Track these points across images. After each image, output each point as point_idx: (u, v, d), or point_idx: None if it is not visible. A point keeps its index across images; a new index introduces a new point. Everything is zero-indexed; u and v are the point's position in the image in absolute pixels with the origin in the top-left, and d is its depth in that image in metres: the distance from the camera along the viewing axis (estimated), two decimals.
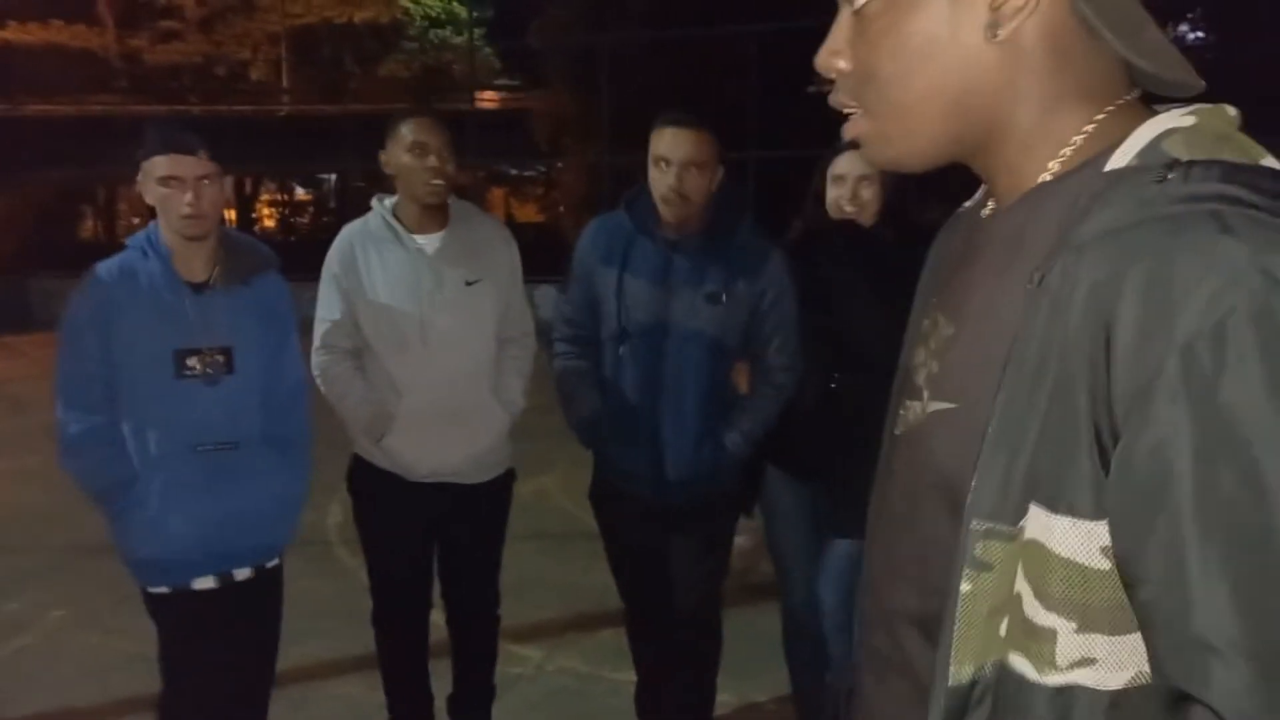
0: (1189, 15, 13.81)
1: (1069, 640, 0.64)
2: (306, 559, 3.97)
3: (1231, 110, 0.69)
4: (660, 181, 2.34)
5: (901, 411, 0.84)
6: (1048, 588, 0.64)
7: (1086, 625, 0.63)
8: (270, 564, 2.30)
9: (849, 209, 2.38)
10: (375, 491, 2.60)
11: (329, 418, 2.54)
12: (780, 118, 11.53)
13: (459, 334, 2.50)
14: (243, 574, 2.24)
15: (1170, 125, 0.67)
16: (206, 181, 2.12)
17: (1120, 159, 0.68)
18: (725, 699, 2.86)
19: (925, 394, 0.79)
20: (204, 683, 2.22)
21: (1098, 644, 0.63)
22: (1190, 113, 0.68)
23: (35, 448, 5.96)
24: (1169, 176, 0.63)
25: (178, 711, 2.27)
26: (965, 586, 0.67)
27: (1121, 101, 0.71)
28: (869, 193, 2.38)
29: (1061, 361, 0.62)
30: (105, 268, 2.17)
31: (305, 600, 3.56)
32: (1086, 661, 0.63)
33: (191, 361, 2.13)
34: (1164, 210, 0.61)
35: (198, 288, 2.18)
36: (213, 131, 2.22)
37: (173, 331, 2.13)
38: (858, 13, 0.74)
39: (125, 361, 2.11)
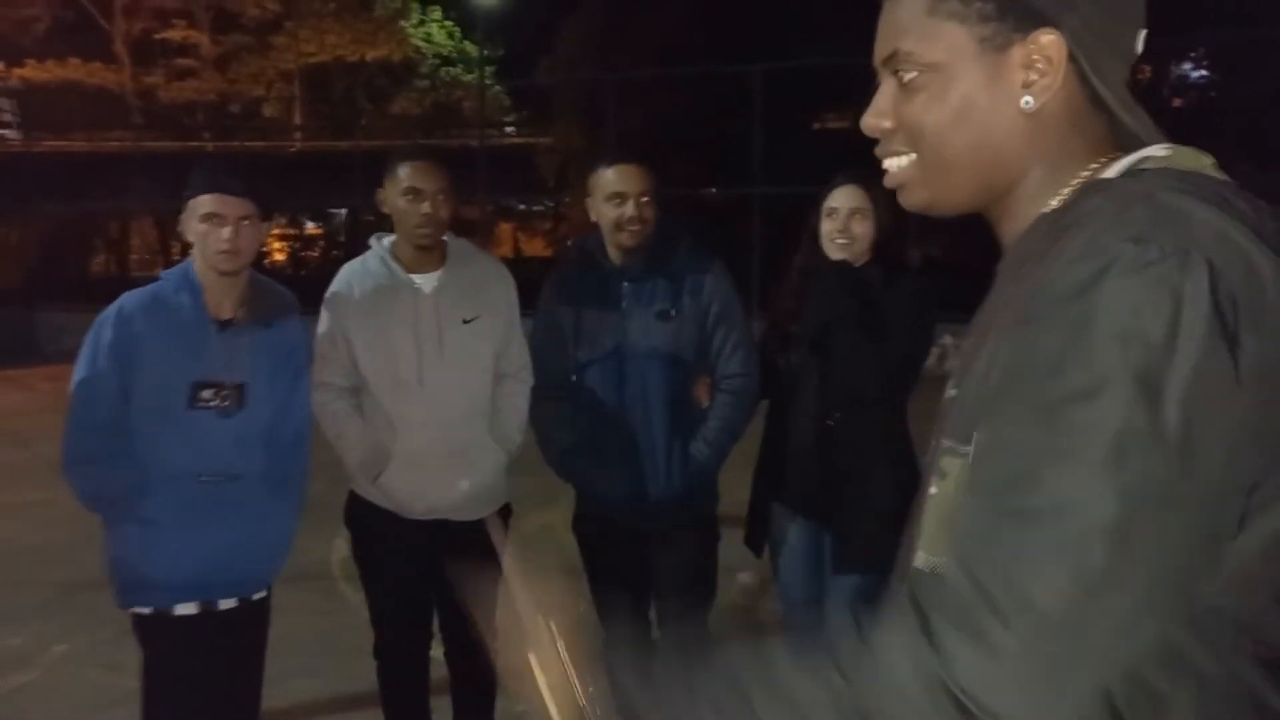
0: (1191, 55, 13.92)
1: None
2: (312, 593, 3.95)
3: (1206, 155, 0.81)
4: (619, 213, 2.49)
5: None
6: None
7: None
8: (257, 596, 2.33)
9: (840, 242, 2.42)
10: (372, 528, 2.60)
11: (333, 452, 2.55)
12: (785, 153, 11.62)
13: (456, 372, 2.51)
14: (227, 604, 2.27)
15: (1147, 155, 0.81)
16: (246, 222, 2.19)
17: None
18: None
19: (949, 391, 0.89)
20: (183, 712, 2.23)
21: None
22: (1167, 149, 0.81)
23: (39, 482, 5.96)
24: (1126, 178, 0.78)
25: None
26: (932, 490, 0.83)
27: (1111, 156, 0.84)
28: (861, 228, 2.42)
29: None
30: (133, 297, 2.24)
31: (309, 636, 3.54)
32: None
33: (206, 393, 2.20)
34: (1107, 200, 0.75)
35: (224, 324, 2.24)
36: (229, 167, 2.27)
37: (193, 363, 2.19)
38: (905, 84, 0.86)
39: (140, 388, 2.17)
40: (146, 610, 2.22)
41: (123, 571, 2.22)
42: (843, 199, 2.43)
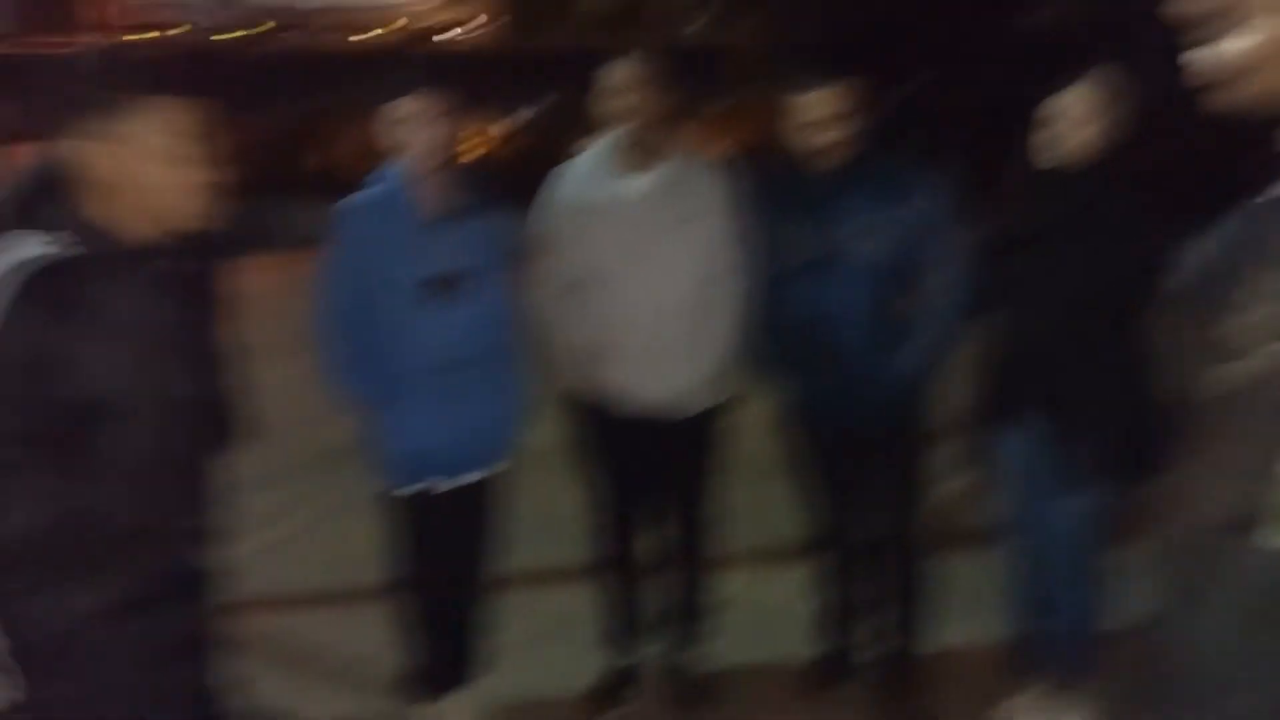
0: None
1: None
2: (529, 473, 4.22)
3: None
4: (818, 140, 2.45)
5: (1228, 372, 0.89)
6: None
7: None
8: (498, 469, 2.54)
9: (1053, 149, 2.32)
10: (587, 421, 2.74)
11: (548, 347, 2.68)
12: (1005, 52, 10.86)
13: (669, 270, 2.57)
14: (474, 477, 2.50)
15: None
16: (445, 118, 2.29)
17: None
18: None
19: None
20: (423, 578, 2.50)
21: None
22: None
23: (283, 357, 6.57)
24: None
25: (409, 602, 2.56)
26: None
27: None
28: (1078, 134, 2.29)
29: None
30: (354, 203, 2.39)
31: (524, 513, 3.81)
32: None
33: (435, 285, 2.35)
34: None
35: (434, 219, 2.36)
36: (431, 67, 2.40)
37: (418, 259, 2.34)
38: None
39: (378, 288, 2.34)
40: (415, 488, 2.45)
41: (389, 455, 2.45)
42: (1062, 104, 2.31)
